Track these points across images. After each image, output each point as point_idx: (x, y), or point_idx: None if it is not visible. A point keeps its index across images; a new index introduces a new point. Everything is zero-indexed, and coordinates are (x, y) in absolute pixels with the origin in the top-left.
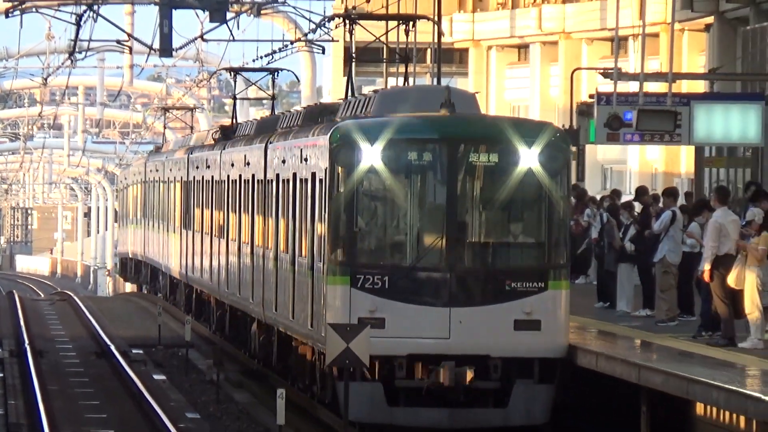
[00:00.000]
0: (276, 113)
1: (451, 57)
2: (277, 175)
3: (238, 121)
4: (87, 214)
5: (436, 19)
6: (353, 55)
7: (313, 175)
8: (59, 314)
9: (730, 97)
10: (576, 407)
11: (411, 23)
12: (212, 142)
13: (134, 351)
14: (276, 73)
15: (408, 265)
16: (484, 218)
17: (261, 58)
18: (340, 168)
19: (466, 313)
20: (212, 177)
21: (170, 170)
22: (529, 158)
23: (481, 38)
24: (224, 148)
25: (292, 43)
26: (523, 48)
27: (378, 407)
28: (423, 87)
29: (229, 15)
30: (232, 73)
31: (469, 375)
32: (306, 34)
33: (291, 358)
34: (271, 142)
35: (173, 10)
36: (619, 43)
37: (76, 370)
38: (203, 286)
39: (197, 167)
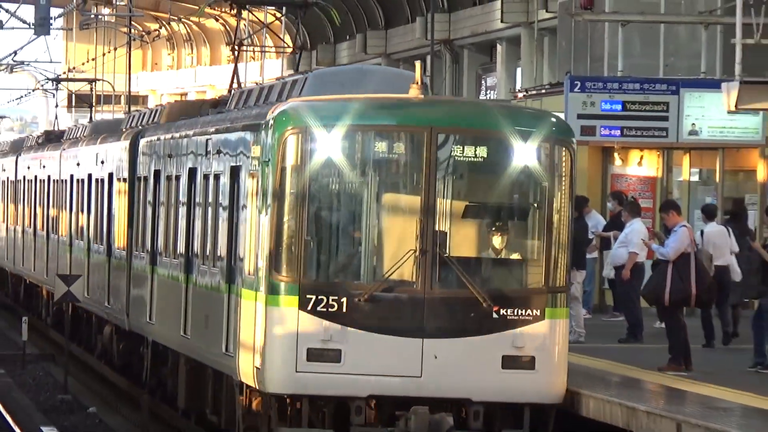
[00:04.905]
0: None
1: (137, 100)
2: (157, 172)
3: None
4: None
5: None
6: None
7: (235, 169)
8: None
9: None
10: None
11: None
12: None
13: None
14: (95, 82)
15: (371, 284)
16: (467, 228)
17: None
18: (286, 161)
19: (442, 346)
20: (48, 176)
21: None
22: (525, 153)
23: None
24: (64, 149)
25: (34, 90)
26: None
27: None
28: (372, 67)
29: None
30: (56, 83)
31: (448, 424)
32: (42, 85)
33: (179, 377)
34: (142, 137)
35: None
36: None
37: None
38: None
39: (28, 167)
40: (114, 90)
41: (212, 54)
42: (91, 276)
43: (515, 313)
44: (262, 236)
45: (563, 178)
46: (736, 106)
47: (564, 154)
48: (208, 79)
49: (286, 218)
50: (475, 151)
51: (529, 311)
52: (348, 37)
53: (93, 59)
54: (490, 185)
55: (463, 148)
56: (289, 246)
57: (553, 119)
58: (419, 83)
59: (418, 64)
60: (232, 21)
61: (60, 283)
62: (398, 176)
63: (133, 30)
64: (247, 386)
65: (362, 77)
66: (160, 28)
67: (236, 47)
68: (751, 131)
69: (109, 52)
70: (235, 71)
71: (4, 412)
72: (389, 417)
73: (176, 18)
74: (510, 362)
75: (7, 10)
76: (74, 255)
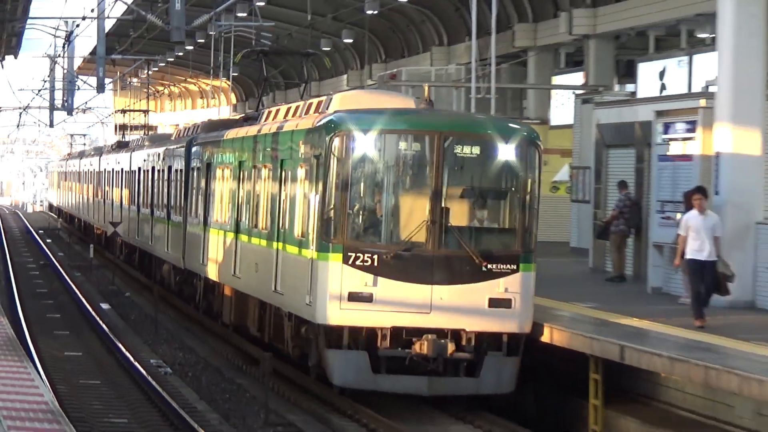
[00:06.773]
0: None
1: (151, 129)
2: (208, 164)
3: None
4: (23, 183)
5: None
6: (265, 81)
7: (283, 161)
8: (12, 218)
9: None
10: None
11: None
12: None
13: (39, 231)
14: (147, 113)
15: (395, 246)
16: (464, 205)
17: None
18: (333, 155)
19: (445, 291)
20: (122, 169)
21: (85, 165)
22: (506, 152)
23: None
24: (133, 151)
25: (96, 123)
26: None
27: (363, 374)
28: (381, 91)
29: None
30: (123, 113)
31: (451, 348)
32: (102, 120)
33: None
34: (194, 141)
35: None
36: None
37: (18, 237)
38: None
39: (108, 163)
40: (155, 113)
41: (192, 103)
42: (153, 231)
43: (498, 268)
44: (314, 210)
45: (534, 170)
46: None
47: (534, 152)
48: (191, 118)
49: (333, 197)
50: (471, 149)
51: (508, 266)
52: (294, 86)
53: (128, 105)
54: (481, 174)
55: (462, 147)
56: (336, 217)
57: (527, 128)
58: (427, 100)
59: (426, 86)
60: (205, 86)
61: (110, 226)
62: (415, 167)
63: (150, 89)
64: (295, 316)
65: (375, 97)
66: (164, 88)
67: (263, 82)
68: None
69: (136, 102)
70: (260, 98)
71: (79, 295)
72: (406, 342)
73: (173, 83)
74: (494, 303)
75: (82, 80)
76: (141, 218)
